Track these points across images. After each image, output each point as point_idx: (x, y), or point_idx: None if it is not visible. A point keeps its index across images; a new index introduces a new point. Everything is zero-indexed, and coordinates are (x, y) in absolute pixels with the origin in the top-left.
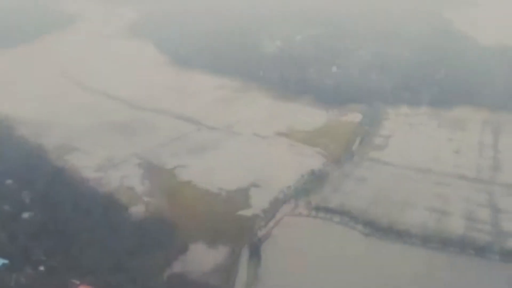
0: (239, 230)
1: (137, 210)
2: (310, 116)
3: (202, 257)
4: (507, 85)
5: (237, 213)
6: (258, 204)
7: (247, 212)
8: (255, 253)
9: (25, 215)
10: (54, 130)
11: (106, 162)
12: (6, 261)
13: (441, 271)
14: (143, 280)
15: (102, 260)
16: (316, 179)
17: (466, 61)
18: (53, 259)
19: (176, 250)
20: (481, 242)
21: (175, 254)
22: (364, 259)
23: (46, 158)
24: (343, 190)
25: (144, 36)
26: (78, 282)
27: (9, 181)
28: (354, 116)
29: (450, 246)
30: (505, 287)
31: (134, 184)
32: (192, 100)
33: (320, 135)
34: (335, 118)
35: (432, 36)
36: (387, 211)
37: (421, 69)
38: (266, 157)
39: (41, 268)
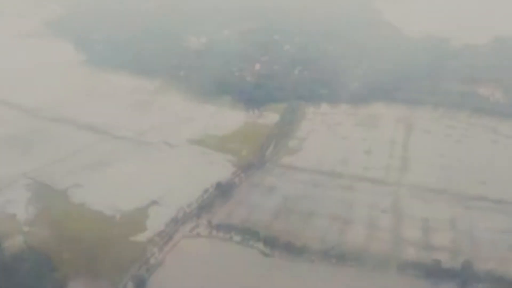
0: (129, 259)
1: (14, 243)
2: (228, 119)
3: None
4: (426, 79)
5: (129, 238)
6: (154, 226)
7: (140, 237)
8: (141, 286)
9: None
10: None
11: None
12: None
13: None
14: None
15: None
16: (222, 192)
17: (390, 54)
18: None
19: None
20: (380, 253)
21: None
22: (262, 282)
23: None
24: (249, 202)
25: (64, 34)
26: None
27: None
28: (272, 117)
29: (349, 260)
30: None
31: (17, 211)
32: (103, 105)
33: (234, 140)
34: (252, 120)
35: (360, 29)
36: (290, 224)
37: (343, 63)
38: (173, 169)
39: None
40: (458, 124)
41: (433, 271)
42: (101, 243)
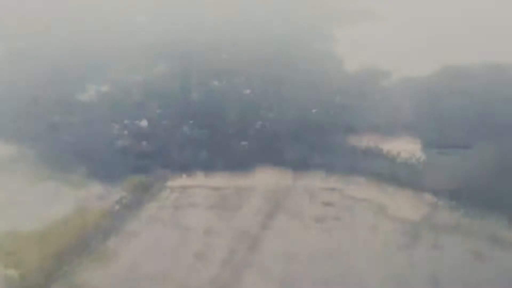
0: None
1: None
2: (56, 204)
3: None
4: (332, 130)
5: None
6: None
7: None
8: None
9: None
10: None
11: None
12: None
13: None
14: None
15: None
16: None
17: (312, 97)
18: None
19: None
20: None
21: None
22: None
23: None
24: None
25: None
26: None
27: None
28: (116, 198)
29: None
30: None
31: None
32: None
33: (38, 242)
34: (87, 205)
35: (297, 64)
36: None
37: (247, 113)
38: None
39: None
40: (341, 200)
41: None
42: None
